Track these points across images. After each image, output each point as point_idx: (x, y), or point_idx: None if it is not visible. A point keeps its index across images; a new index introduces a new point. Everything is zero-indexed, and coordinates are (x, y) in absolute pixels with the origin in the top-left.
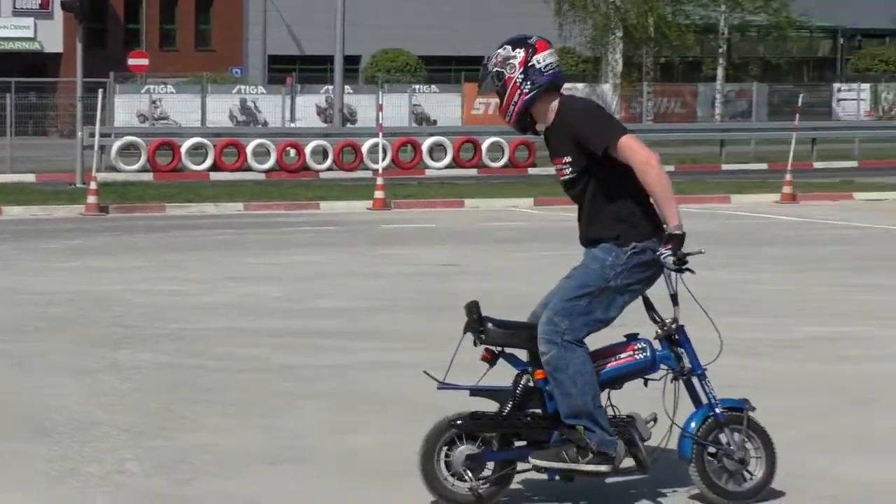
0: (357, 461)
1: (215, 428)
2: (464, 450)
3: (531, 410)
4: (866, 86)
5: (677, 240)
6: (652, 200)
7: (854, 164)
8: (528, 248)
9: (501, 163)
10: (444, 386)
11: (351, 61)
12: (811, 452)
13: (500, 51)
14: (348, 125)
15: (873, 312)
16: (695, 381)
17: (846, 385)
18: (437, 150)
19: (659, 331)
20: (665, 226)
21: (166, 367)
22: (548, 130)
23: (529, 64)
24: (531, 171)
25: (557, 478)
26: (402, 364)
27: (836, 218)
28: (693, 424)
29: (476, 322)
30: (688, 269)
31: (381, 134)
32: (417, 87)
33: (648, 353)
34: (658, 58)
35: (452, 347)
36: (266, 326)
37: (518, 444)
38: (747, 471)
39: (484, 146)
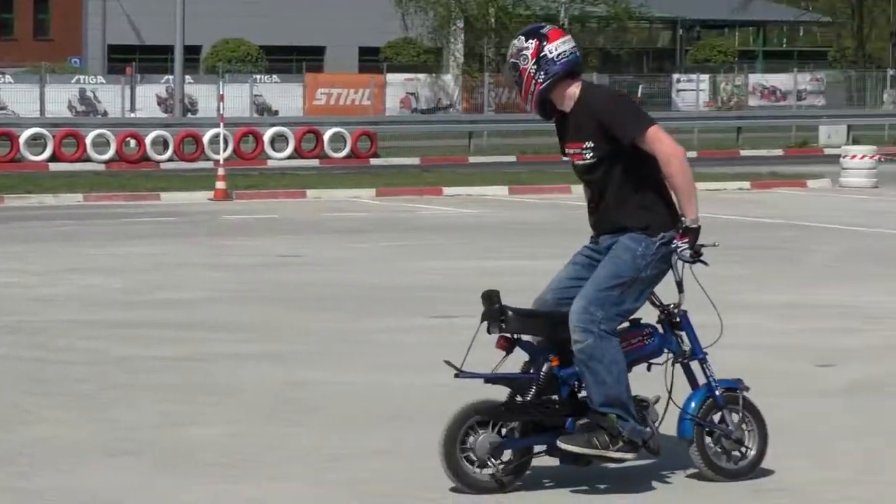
0: (196, 453)
1: (55, 420)
2: (486, 437)
3: (547, 397)
4: (705, 76)
5: (694, 233)
6: (672, 192)
7: (693, 154)
8: (370, 239)
9: (343, 153)
10: (462, 374)
11: (191, 51)
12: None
13: (514, 42)
14: (189, 115)
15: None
16: (695, 364)
17: None
18: (278, 141)
19: (661, 315)
20: (683, 218)
21: (5, 360)
22: (564, 116)
23: (542, 54)
24: (373, 161)
25: (573, 463)
26: (243, 355)
27: None
28: (693, 406)
29: (497, 311)
30: (702, 261)
31: (222, 124)
32: (259, 77)
33: (656, 339)
34: (499, 48)
35: (295, 337)
36: (106, 318)
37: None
38: (743, 448)
39: (326, 137)
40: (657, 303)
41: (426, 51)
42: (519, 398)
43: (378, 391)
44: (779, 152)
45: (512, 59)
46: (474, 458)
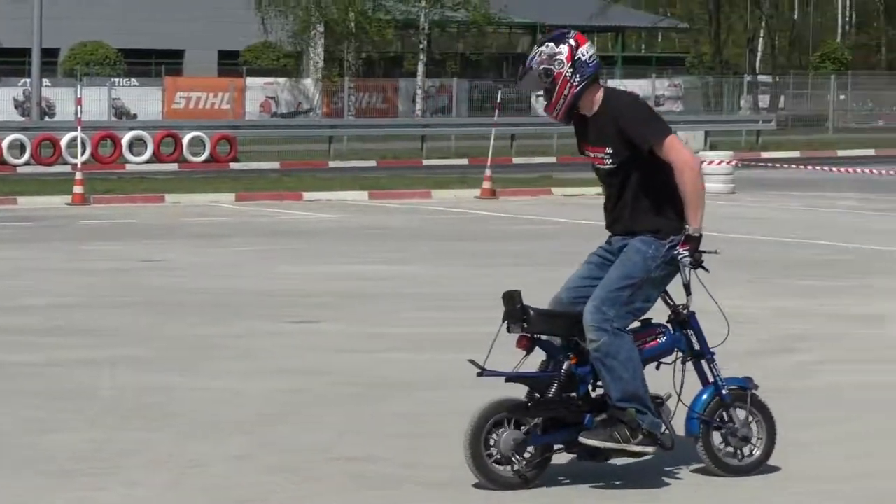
0: (55, 459)
1: None
2: (510, 434)
3: (567, 394)
4: None
5: (695, 242)
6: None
7: (553, 159)
8: (230, 244)
9: (203, 157)
10: (485, 372)
11: (49, 54)
12: None
13: (542, 49)
14: (46, 119)
15: None
16: (703, 363)
17: None
18: (137, 145)
19: (671, 315)
20: (686, 226)
21: None
22: (584, 119)
23: (576, 57)
24: (233, 165)
25: (591, 458)
26: (102, 360)
27: (534, 213)
28: (700, 404)
29: (519, 311)
30: (703, 268)
31: (79, 128)
32: (117, 80)
33: (667, 337)
34: (359, 53)
35: (154, 342)
36: None
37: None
38: (750, 446)
39: (185, 140)
40: (670, 303)
41: (286, 55)
42: (538, 396)
43: (237, 396)
44: None
45: (543, 66)
46: (498, 456)
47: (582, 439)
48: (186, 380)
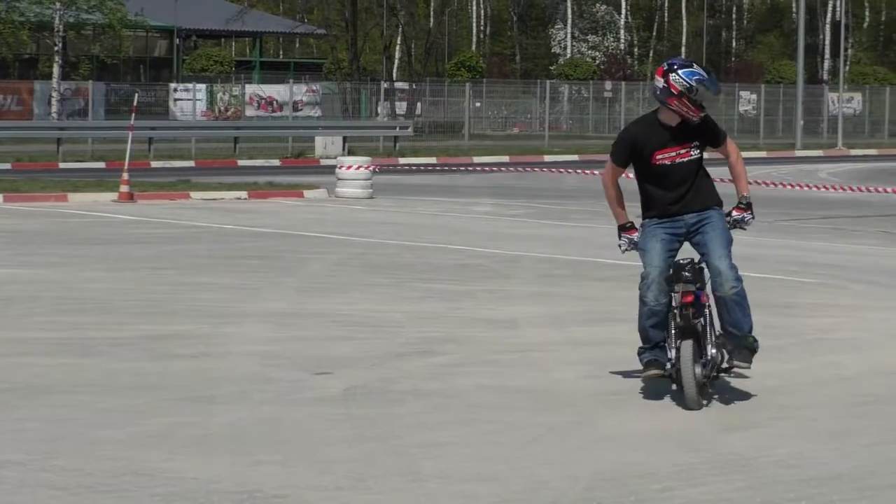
0: None
1: None
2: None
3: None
4: (202, 86)
5: (751, 206)
6: (735, 177)
7: (191, 163)
8: None
9: None
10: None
11: None
12: (149, 449)
13: (694, 85)
14: None
15: (207, 310)
16: None
17: (183, 383)
18: None
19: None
20: (743, 195)
21: None
22: (675, 129)
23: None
24: None
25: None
26: None
27: (172, 217)
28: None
29: (697, 270)
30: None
31: None
32: None
33: None
34: None
35: None
36: None
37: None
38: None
39: None
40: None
41: None
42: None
43: None
44: (276, 162)
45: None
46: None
47: (735, 362)
48: None
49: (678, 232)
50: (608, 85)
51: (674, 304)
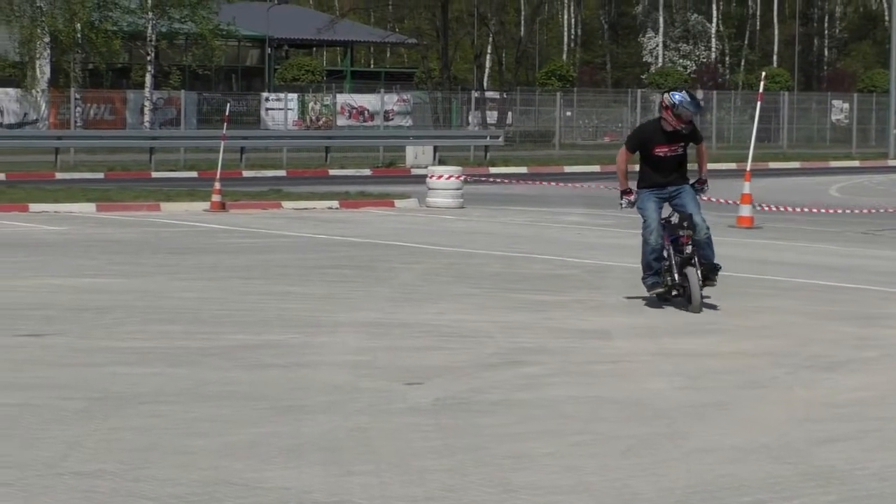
0: None
1: None
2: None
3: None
4: (294, 95)
5: (706, 182)
6: (700, 164)
7: (283, 173)
8: None
9: None
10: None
11: None
12: (240, 459)
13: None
14: None
15: (299, 320)
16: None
17: (274, 393)
18: None
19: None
20: (702, 176)
21: None
22: (672, 133)
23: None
24: None
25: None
26: None
27: (264, 226)
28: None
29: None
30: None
31: None
32: None
33: None
34: (86, 63)
35: None
36: None
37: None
38: None
39: None
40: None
41: (11, 65)
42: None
43: None
44: (367, 172)
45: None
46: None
47: (712, 278)
48: None
49: (663, 196)
50: (700, 94)
51: (672, 245)
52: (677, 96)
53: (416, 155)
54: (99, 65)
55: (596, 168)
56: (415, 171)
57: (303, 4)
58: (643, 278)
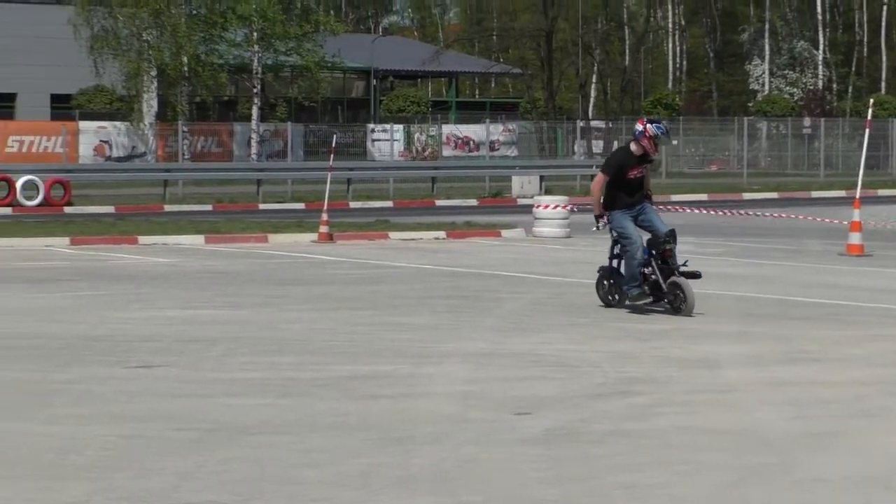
0: None
1: None
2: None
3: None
4: (399, 126)
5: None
6: (648, 182)
7: (389, 203)
8: (65, 288)
9: (36, 201)
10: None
11: None
12: (351, 489)
13: (661, 135)
14: None
15: (407, 350)
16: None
17: (383, 423)
18: None
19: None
20: (649, 191)
21: None
22: (641, 157)
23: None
24: (67, 209)
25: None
26: None
27: (371, 257)
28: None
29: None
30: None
31: None
32: None
33: None
34: (193, 97)
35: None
36: None
37: None
38: None
39: (18, 184)
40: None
41: (119, 98)
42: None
43: (74, 442)
44: (473, 202)
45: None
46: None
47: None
48: (22, 425)
49: (633, 214)
50: (807, 121)
51: (654, 259)
52: (658, 128)
53: (523, 185)
54: (206, 98)
55: (703, 196)
56: (521, 201)
57: (407, 36)
58: (628, 290)
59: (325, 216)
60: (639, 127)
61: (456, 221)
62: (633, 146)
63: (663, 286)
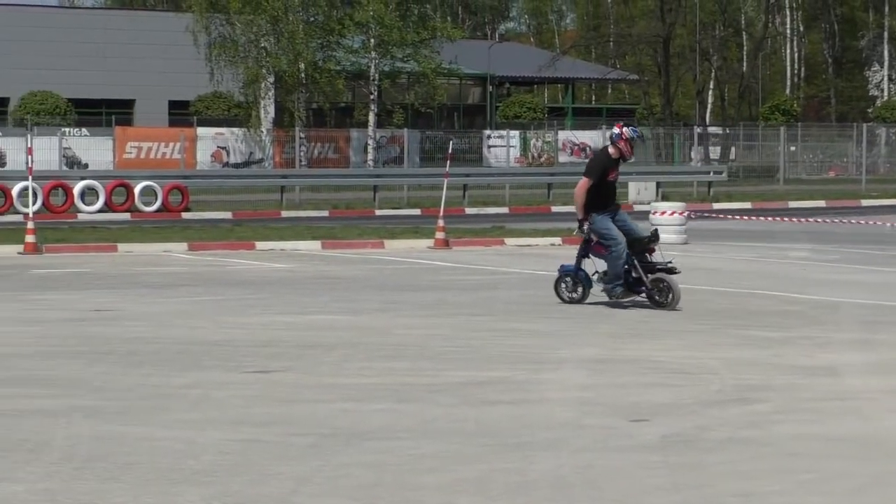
0: None
1: None
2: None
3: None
4: (515, 133)
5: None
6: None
7: (505, 209)
8: (183, 293)
9: (155, 207)
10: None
11: None
12: (467, 495)
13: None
14: None
15: (523, 356)
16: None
17: (500, 429)
18: (89, 194)
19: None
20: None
21: None
22: (617, 160)
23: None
24: (185, 215)
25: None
26: (54, 410)
27: (487, 263)
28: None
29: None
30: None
31: (30, 177)
32: (68, 130)
33: None
34: (310, 103)
35: (107, 392)
36: None
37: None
38: None
39: (137, 190)
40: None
41: (236, 105)
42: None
43: (192, 447)
44: None
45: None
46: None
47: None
48: (141, 430)
49: (611, 216)
50: None
51: (637, 257)
52: (634, 131)
53: (639, 191)
54: (323, 104)
55: (821, 203)
56: (637, 208)
57: (524, 42)
58: (611, 288)
59: (441, 222)
60: (616, 130)
61: (572, 227)
62: (610, 149)
63: (646, 282)
